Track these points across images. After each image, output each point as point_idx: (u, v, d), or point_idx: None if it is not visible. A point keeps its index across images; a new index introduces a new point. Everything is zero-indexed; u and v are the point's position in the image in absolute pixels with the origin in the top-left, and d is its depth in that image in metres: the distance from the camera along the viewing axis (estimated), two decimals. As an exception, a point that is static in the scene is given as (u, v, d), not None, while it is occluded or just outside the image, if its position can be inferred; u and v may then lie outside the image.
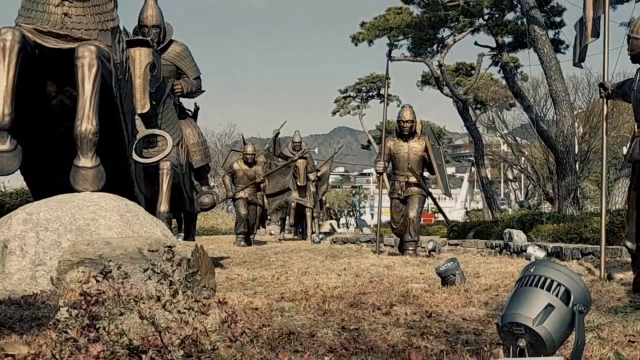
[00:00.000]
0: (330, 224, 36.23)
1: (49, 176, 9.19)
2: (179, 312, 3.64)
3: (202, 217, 31.56)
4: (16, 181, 15.90)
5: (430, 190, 16.06)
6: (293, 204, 27.10)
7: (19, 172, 8.80)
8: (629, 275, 8.21)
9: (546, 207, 43.38)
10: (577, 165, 28.13)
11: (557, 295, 3.78)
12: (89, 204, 7.72)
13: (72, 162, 8.18)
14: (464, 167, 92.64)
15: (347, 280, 9.05)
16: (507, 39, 34.24)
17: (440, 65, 35.77)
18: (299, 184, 26.51)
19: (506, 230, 15.84)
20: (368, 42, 36.14)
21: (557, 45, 31.16)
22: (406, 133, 15.04)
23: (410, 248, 14.79)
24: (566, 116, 22.34)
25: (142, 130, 10.87)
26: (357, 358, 3.92)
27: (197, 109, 14.78)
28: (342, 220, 71.22)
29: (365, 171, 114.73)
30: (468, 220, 31.49)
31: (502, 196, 61.81)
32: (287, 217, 28.56)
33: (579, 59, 10.66)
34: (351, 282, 8.78)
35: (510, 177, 67.64)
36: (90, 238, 6.97)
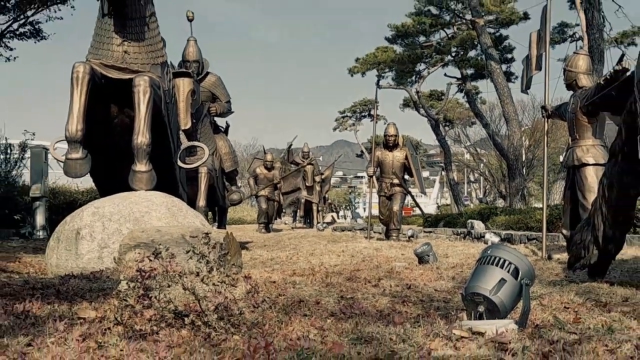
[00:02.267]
0: (332, 216, 36.20)
1: (112, 178, 9.20)
2: (213, 284, 3.64)
3: (231, 211, 31.53)
4: (86, 182, 15.96)
5: (409, 189, 16.04)
6: (303, 200, 27.09)
7: (89, 175, 8.82)
8: (564, 256, 8.20)
9: (500, 203, 43.28)
10: (524, 170, 28.10)
11: (508, 272, 3.78)
12: (143, 200, 7.73)
13: (130, 167, 8.20)
14: (436, 171, 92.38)
15: (345, 259, 9.05)
16: (470, 71, 34.25)
17: (417, 92, 35.86)
18: (307, 184, 26.51)
19: (469, 221, 15.85)
20: (361, 73, 36.21)
21: (509, 76, 31.19)
22: (391, 145, 15.03)
23: (394, 235, 14.78)
24: (516, 132, 22.34)
25: (185, 143, 10.88)
26: (353, 320, 3.91)
27: (228, 125, 14.82)
28: (341, 213, 71.07)
29: (359, 174, 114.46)
30: (439, 213, 31.46)
31: (465, 194, 61.68)
32: (298, 211, 28.60)
33: (526, 87, 10.65)
34: (348, 261, 8.78)
35: (472, 179, 67.50)
36: (145, 227, 6.98)
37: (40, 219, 15.85)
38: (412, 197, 16.72)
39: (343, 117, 70.09)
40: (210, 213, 15.55)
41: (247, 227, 27.44)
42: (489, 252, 3.94)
